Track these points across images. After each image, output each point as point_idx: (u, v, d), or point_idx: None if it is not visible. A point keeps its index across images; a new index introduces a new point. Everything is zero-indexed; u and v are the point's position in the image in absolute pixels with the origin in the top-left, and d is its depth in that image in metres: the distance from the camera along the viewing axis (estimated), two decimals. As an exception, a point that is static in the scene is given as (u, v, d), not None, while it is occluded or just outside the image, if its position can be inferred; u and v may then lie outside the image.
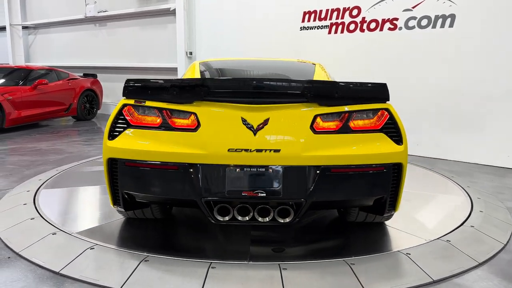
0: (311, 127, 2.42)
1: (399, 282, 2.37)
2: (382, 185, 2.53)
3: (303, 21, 6.97)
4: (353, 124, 2.47)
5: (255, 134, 2.38)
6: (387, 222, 3.28)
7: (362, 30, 6.37)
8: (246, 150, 2.36)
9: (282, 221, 2.48)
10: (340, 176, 2.44)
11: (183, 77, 3.38)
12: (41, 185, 4.08)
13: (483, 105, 5.58)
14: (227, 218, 2.48)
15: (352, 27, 6.47)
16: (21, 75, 8.29)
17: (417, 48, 5.97)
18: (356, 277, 2.39)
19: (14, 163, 5.23)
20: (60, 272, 2.44)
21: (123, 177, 2.56)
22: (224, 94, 2.47)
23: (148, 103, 2.51)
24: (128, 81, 2.54)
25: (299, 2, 6.99)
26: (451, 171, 5.13)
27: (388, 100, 2.51)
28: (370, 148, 2.44)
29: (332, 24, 6.66)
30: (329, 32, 6.70)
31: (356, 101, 2.48)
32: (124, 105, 2.54)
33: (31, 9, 12.73)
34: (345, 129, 2.45)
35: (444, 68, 5.81)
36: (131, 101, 2.54)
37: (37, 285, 2.33)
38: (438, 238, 2.95)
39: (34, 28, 12.80)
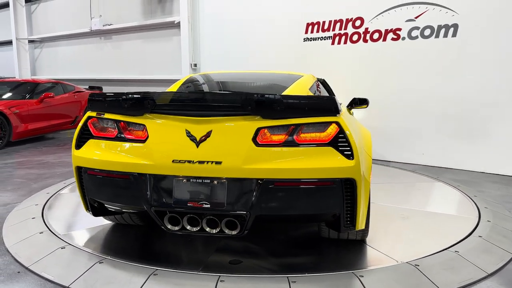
0: (254, 139, 2.40)
1: (409, 294, 2.37)
2: (332, 201, 2.43)
3: (306, 32, 7.02)
4: (299, 137, 2.41)
5: (197, 146, 2.42)
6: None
7: (365, 40, 6.42)
8: (189, 161, 2.41)
9: (230, 233, 2.47)
10: (285, 190, 2.38)
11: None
12: (49, 198, 4.11)
13: (488, 113, 5.58)
14: (177, 228, 2.52)
15: (355, 37, 6.51)
16: (28, 89, 8.38)
17: (420, 57, 6.00)
18: (365, 289, 2.39)
19: (21, 177, 5.27)
20: (69, 287, 2.45)
21: (87, 185, 2.73)
22: (170, 107, 2.55)
23: (107, 116, 2.67)
24: (91, 94, 2.70)
25: (302, 14, 7.04)
26: (457, 180, 5.12)
27: (338, 113, 2.42)
28: (317, 162, 2.35)
29: (335, 35, 6.70)
30: (332, 43, 6.75)
31: (303, 114, 2.41)
32: (89, 117, 2.72)
33: (37, 23, 12.91)
34: (290, 142, 2.40)
35: (448, 77, 5.83)
36: (94, 114, 2.71)
37: (47, 300, 2.35)
38: (446, 249, 2.94)
39: (40, 41, 12.97)
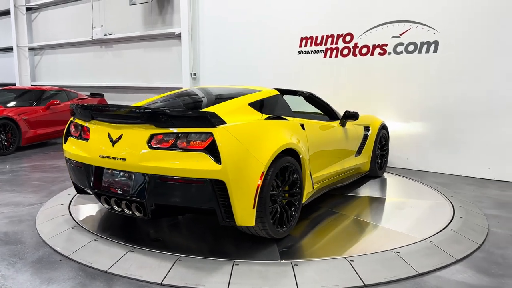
0: (148, 143, 3.04)
1: (390, 275, 2.88)
2: (206, 197, 2.94)
3: (300, 45, 7.57)
4: (182, 143, 2.96)
5: (113, 146, 3.18)
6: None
7: (354, 54, 6.98)
8: (108, 157, 3.19)
9: (139, 216, 3.22)
10: (168, 184, 2.99)
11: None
12: (72, 198, 4.54)
13: (466, 123, 6.16)
14: (108, 207, 3.39)
15: (345, 52, 7.08)
16: (35, 96, 8.78)
17: (405, 71, 6.57)
18: (355, 271, 2.90)
19: (39, 180, 5.69)
20: (107, 271, 2.91)
21: (68, 170, 3.78)
22: (101, 116, 3.36)
23: (76, 120, 3.62)
24: (70, 105, 3.68)
25: (297, 29, 7.59)
26: (437, 183, 5.67)
27: (214, 126, 2.92)
28: (193, 164, 2.89)
29: (327, 49, 7.26)
30: (325, 56, 7.30)
31: (186, 125, 2.97)
32: (70, 121, 3.73)
33: (38, 31, 13.27)
34: (174, 146, 2.97)
35: (430, 89, 6.40)
36: (72, 119, 3.70)
37: (90, 281, 2.80)
38: (423, 240, 3.47)
39: (40, 49, 13.33)
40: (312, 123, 4.16)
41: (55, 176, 5.87)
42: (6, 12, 13.65)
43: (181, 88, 9.20)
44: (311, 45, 7.44)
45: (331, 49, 7.21)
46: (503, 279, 2.92)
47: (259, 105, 3.76)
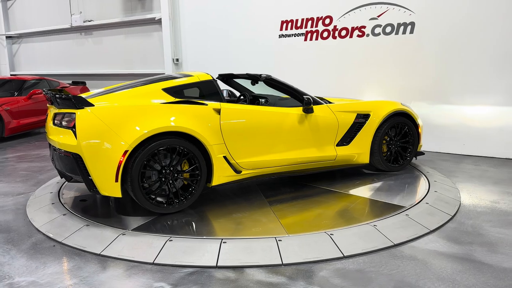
0: (53, 121, 3.76)
1: (368, 246, 3.09)
2: (75, 168, 3.53)
3: (281, 29, 7.65)
4: (65, 122, 3.59)
5: (46, 122, 3.99)
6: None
7: (334, 37, 7.10)
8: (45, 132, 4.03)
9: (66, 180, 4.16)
10: (61, 156, 3.69)
11: None
12: (61, 187, 4.63)
13: (441, 101, 6.40)
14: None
15: (325, 34, 7.20)
16: (16, 86, 8.71)
17: (383, 52, 6.74)
18: (335, 244, 3.10)
19: (26, 169, 5.74)
20: (101, 253, 3.05)
21: None
22: (52, 101, 3.88)
23: None
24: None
25: (277, 12, 7.66)
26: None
27: (80, 108, 3.46)
28: (65, 139, 3.53)
29: (307, 32, 7.37)
30: (305, 39, 7.41)
31: (67, 107, 3.57)
32: None
33: (14, 19, 12.99)
34: (61, 124, 3.63)
35: (406, 69, 6.60)
36: None
37: (85, 264, 2.94)
38: (399, 213, 3.68)
39: (18, 37, 13.07)
40: (236, 108, 4.03)
41: (42, 166, 5.92)
42: (-20, 0, 13.30)
43: (164, 73, 9.23)
44: (291, 28, 7.53)
45: (311, 32, 7.32)
46: (471, 246, 3.16)
47: (175, 90, 3.92)
